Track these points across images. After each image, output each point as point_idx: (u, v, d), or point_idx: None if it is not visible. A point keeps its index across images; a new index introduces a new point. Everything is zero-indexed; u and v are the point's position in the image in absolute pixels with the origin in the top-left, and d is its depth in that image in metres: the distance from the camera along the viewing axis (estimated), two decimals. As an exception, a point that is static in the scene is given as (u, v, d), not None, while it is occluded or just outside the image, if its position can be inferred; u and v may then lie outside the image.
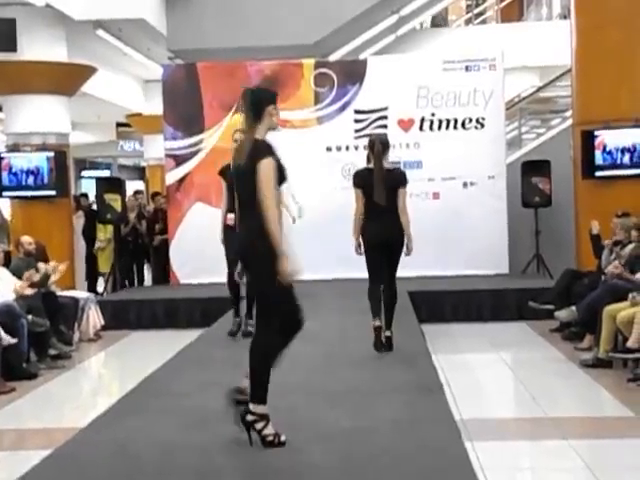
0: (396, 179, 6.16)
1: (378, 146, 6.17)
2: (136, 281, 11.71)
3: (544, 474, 4.52)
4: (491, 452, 4.60)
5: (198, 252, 10.20)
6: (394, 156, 10.32)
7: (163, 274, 11.35)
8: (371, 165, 6.21)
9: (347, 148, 10.56)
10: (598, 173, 9.50)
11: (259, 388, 3.88)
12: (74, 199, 12.15)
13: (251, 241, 3.93)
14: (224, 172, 6.50)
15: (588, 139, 9.48)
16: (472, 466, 3.57)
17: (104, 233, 11.70)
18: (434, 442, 3.87)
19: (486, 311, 9.22)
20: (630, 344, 6.10)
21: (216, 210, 7.69)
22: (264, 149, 3.92)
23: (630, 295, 6.41)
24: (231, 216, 6.50)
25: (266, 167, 3.85)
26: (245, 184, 3.93)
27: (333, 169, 10.48)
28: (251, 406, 3.88)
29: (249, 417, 3.87)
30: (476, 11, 19.09)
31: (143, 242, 11.64)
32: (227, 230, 6.70)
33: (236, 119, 10.74)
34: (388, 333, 6.11)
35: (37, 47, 10.59)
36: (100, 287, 11.68)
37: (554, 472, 4.50)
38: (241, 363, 5.71)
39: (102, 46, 12.79)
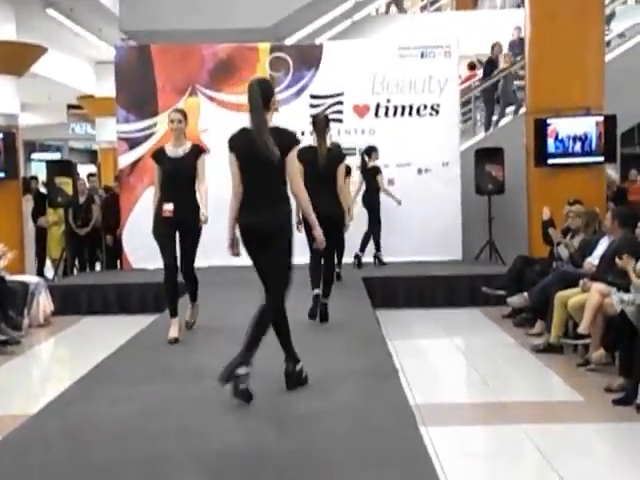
0: (335, 156, 6.53)
1: (321, 122, 6.55)
2: (87, 265, 11.53)
3: (496, 458, 4.57)
4: (444, 437, 4.64)
5: (151, 236, 10.04)
6: (350, 142, 10.37)
7: (115, 258, 11.20)
8: (315, 143, 6.52)
9: (302, 133, 10.38)
10: (550, 161, 9.62)
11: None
12: (23, 182, 11.90)
13: (284, 220, 4.38)
14: (158, 157, 5.88)
15: (541, 127, 9.58)
16: (427, 450, 3.59)
17: (53, 217, 11.49)
18: (389, 427, 3.87)
19: (439, 297, 9.29)
20: (580, 330, 6.19)
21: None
22: (293, 138, 4.49)
23: (581, 281, 6.50)
24: (169, 207, 5.82)
25: (295, 155, 4.42)
26: (271, 168, 4.32)
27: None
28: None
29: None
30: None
31: (94, 226, 11.45)
32: (162, 222, 5.90)
33: (190, 102, 10.66)
34: (324, 300, 6.50)
35: (-16, 25, 10.36)
36: (48, 272, 11.46)
37: (506, 456, 4.56)
38: (194, 350, 5.70)
39: (52, 25, 12.56)
